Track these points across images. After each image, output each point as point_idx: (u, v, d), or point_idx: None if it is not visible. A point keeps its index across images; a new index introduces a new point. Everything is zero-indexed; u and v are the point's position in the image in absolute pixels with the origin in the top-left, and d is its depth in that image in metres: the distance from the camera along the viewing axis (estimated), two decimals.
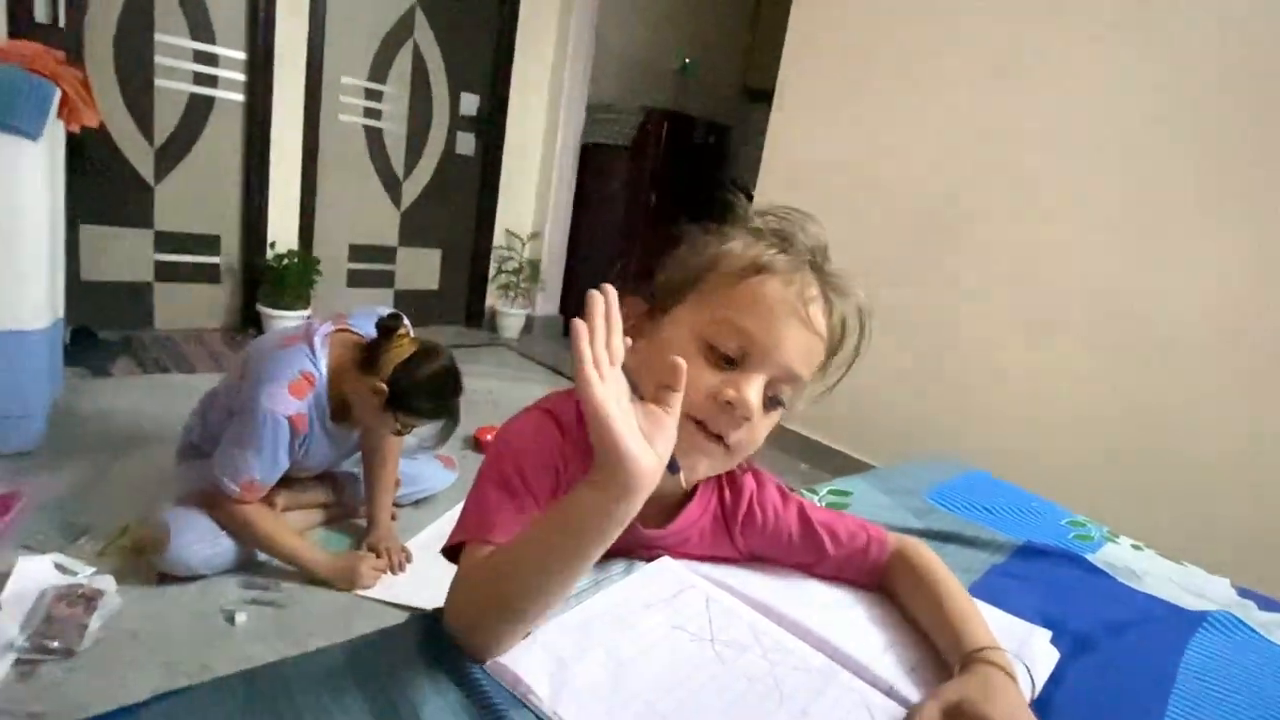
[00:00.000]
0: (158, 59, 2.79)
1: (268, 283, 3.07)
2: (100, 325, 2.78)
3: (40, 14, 2.49)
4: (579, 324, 0.47)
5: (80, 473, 1.79)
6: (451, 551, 0.64)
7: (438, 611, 0.60)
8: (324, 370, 1.54)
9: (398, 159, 3.54)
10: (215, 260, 3.12)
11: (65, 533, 1.54)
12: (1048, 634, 0.77)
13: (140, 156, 2.85)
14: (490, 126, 3.73)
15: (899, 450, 2.39)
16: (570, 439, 0.66)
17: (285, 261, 3.05)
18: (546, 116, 3.89)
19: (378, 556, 1.62)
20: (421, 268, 3.79)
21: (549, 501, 0.63)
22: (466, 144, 3.73)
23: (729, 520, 0.76)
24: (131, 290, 2.96)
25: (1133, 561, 1.04)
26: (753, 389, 0.61)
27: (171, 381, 2.51)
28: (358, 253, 3.54)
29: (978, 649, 0.63)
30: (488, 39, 3.64)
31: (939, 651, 0.67)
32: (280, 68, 3.02)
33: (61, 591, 1.29)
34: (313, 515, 1.76)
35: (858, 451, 2.58)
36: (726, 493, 0.76)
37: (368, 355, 1.54)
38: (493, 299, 3.99)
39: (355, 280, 3.56)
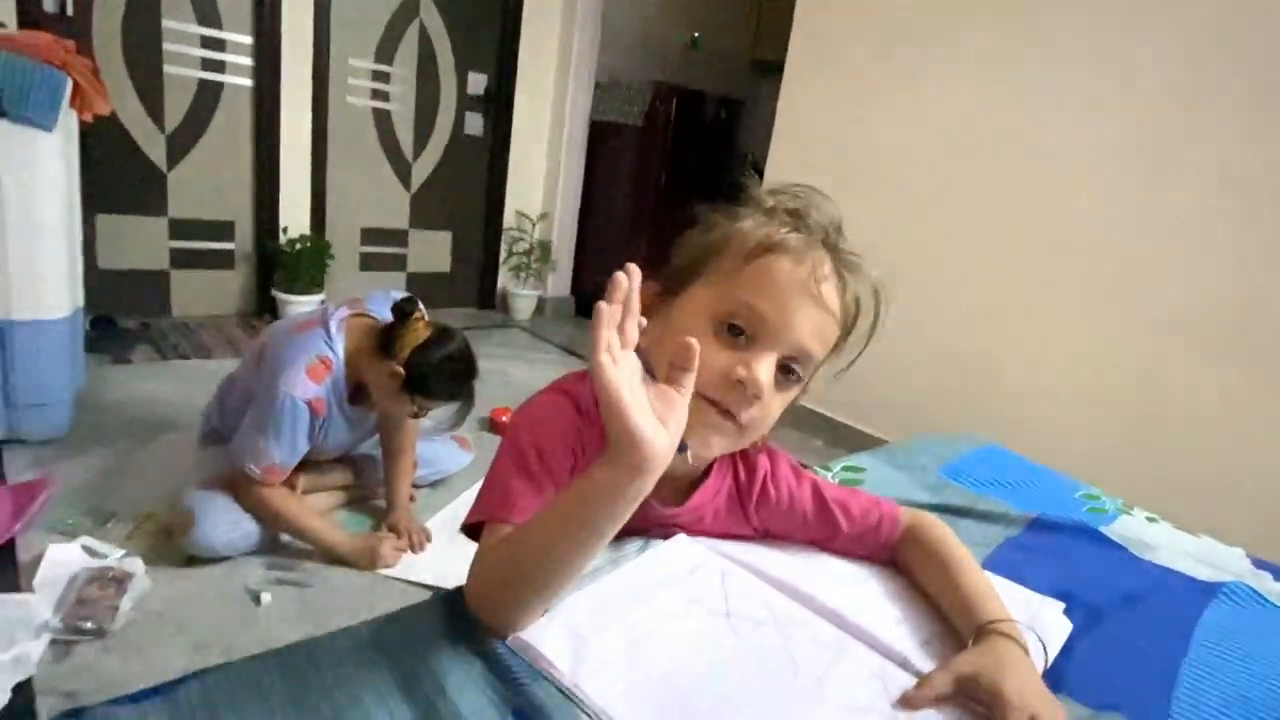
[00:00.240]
0: (166, 46, 2.80)
1: (281, 268, 3.09)
2: (119, 313, 2.82)
3: (49, 4, 2.50)
4: (601, 306, 0.48)
5: (105, 458, 1.83)
6: (471, 529, 0.65)
7: (459, 589, 0.62)
8: (341, 354, 1.55)
9: (406, 141, 3.53)
10: (229, 246, 3.14)
11: (93, 517, 1.57)
12: (1060, 606, 0.78)
13: (152, 144, 2.86)
14: (498, 106, 3.71)
15: (914, 425, 2.39)
16: (587, 419, 0.67)
17: (298, 246, 3.07)
18: (554, 95, 3.86)
19: (398, 537, 1.65)
20: (433, 250, 3.80)
21: (566, 481, 0.64)
22: (475, 124, 3.71)
23: (744, 498, 0.77)
24: (148, 278, 2.99)
25: (1146, 533, 1.04)
26: (764, 367, 0.61)
27: (190, 367, 2.55)
28: (369, 236, 3.55)
29: (990, 621, 0.64)
30: (494, 17, 3.61)
31: (952, 625, 0.68)
32: (287, 51, 3.02)
33: (93, 574, 1.33)
34: (333, 497, 1.79)
35: (872, 427, 2.58)
36: (741, 471, 0.76)
37: (384, 339, 1.56)
38: (504, 280, 4.00)
39: (367, 264, 3.58)
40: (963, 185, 2.35)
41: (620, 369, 0.48)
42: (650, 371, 0.52)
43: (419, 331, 1.55)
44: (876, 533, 0.78)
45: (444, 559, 1.64)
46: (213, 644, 1.29)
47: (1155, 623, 0.79)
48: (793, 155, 2.78)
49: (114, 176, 2.76)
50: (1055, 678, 0.66)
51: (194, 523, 1.46)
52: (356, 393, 1.61)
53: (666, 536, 0.74)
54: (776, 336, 0.62)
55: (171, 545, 1.51)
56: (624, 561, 0.70)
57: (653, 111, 3.77)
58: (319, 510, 1.68)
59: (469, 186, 3.80)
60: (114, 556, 1.43)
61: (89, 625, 1.23)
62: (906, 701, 0.58)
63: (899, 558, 0.78)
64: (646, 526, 0.74)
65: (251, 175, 3.11)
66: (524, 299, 3.94)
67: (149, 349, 2.67)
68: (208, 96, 2.93)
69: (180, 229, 3.01)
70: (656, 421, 0.50)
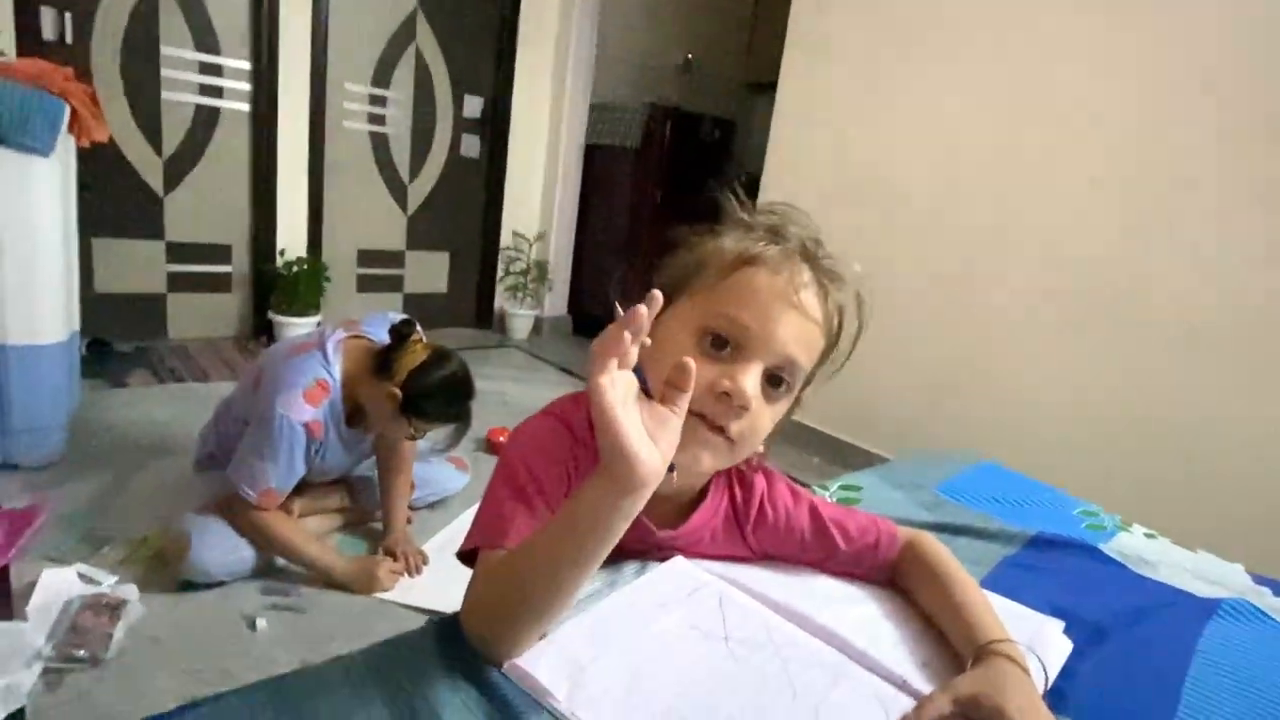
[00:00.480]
0: (164, 72, 2.82)
1: (278, 290, 3.10)
2: (115, 337, 2.81)
3: (48, 32, 2.53)
4: (613, 331, 0.48)
5: (100, 483, 1.82)
6: (467, 555, 0.65)
7: (455, 616, 0.62)
8: (338, 376, 1.55)
9: (403, 163, 3.55)
10: (226, 269, 3.15)
11: (88, 543, 1.56)
12: (1060, 625, 0.77)
13: (149, 169, 2.87)
14: (494, 128, 3.74)
15: (912, 441, 2.39)
16: (581, 443, 0.68)
17: (295, 269, 3.08)
18: (550, 116, 3.90)
19: (395, 560, 1.63)
20: (430, 271, 3.81)
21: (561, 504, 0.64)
22: (471, 146, 3.74)
23: (741, 520, 0.77)
24: (145, 301, 2.99)
25: (1145, 550, 1.04)
26: (749, 378, 0.62)
27: (187, 390, 2.54)
28: (366, 258, 3.56)
29: (990, 642, 0.63)
30: (490, 41, 3.65)
31: (952, 645, 0.68)
32: (285, 76, 3.04)
33: (87, 601, 1.32)
34: (330, 520, 1.77)
35: (869, 443, 2.58)
36: (738, 492, 0.76)
37: (381, 361, 1.56)
38: (501, 300, 4.00)
39: (365, 285, 3.59)
40: (954, 201, 2.37)
41: (616, 389, 0.49)
42: (645, 388, 0.52)
43: (416, 353, 1.55)
44: (875, 552, 0.77)
45: (441, 582, 1.63)
46: (207, 670, 1.27)
47: (1156, 641, 0.79)
48: (786, 173, 2.80)
49: (111, 201, 2.78)
50: (1056, 699, 0.65)
51: (189, 547, 1.45)
52: (353, 415, 1.61)
53: (664, 559, 0.74)
54: (760, 346, 0.62)
55: (166, 571, 1.49)
56: (621, 584, 0.69)
57: (648, 132, 3.80)
58: (315, 533, 1.67)
59: (466, 208, 3.82)
60: (108, 583, 1.42)
61: (82, 653, 1.22)
62: None
63: (897, 577, 0.78)
64: (644, 550, 0.73)
65: (249, 199, 3.12)
66: (521, 319, 3.95)
67: (145, 372, 2.67)
68: (205, 121, 2.95)
69: (177, 252, 3.01)
70: (648, 439, 0.50)
